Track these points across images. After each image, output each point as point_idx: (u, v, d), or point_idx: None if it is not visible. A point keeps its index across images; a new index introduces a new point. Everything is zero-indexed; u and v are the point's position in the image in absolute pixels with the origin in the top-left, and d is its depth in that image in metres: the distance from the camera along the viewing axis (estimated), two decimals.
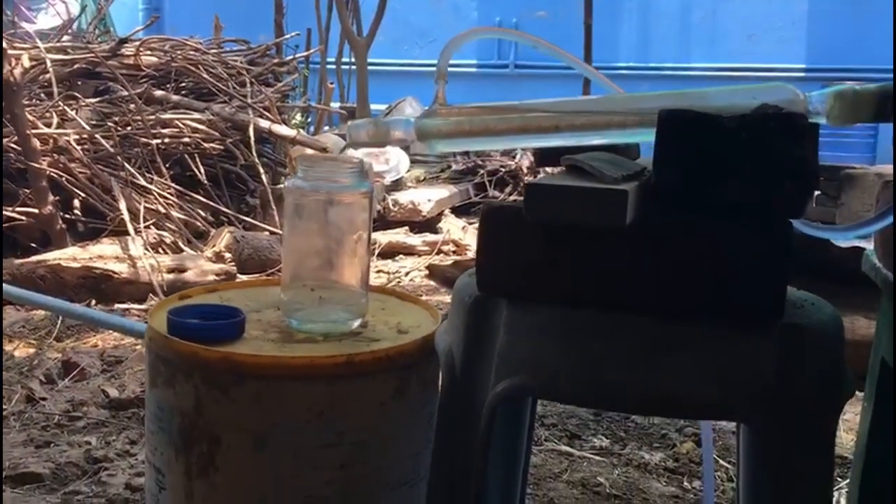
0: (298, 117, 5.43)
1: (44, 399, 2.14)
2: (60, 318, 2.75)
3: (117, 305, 3.05)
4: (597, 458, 1.88)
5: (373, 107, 6.27)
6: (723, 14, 7.89)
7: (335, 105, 6.24)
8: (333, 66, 6.69)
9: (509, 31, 1.11)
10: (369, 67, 6.28)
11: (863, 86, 0.87)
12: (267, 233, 3.76)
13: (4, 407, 2.06)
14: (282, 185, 4.09)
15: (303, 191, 0.99)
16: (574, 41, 6.78)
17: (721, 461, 1.87)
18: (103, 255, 3.19)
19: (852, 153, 6.97)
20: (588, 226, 0.72)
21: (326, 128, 6.15)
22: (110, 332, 2.66)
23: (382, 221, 4.22)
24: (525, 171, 5.14)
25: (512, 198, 4.97)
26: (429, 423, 0.98)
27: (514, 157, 5.45)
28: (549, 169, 0.96)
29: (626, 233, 0.76)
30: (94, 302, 3.06)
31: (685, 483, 1.79)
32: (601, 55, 6.83)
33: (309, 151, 4.02)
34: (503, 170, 5.16)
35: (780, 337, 0.79)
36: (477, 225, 3.54)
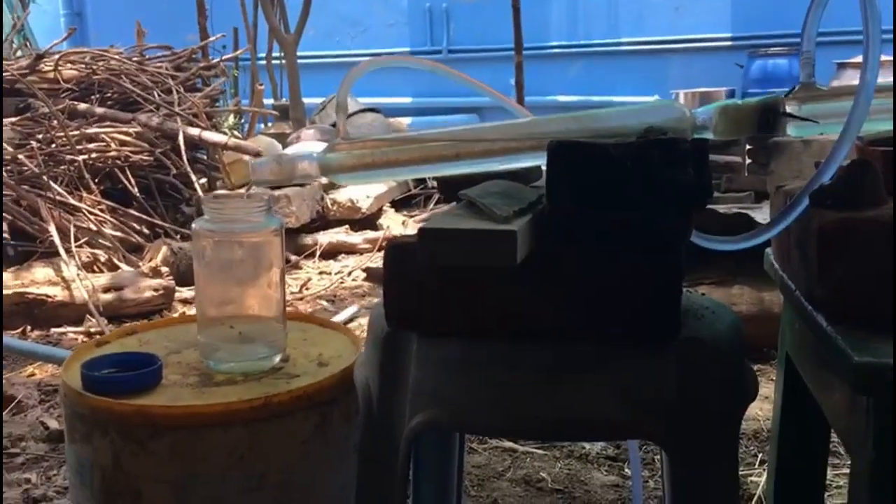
0: (231, 119, 5.36)
1: None
2: None
3: (53, 330, 3.00)
4: (539, 451, 1.92)
5: (307, 101, 6.21)
6: None
7: (268, 102, 6.17)
8: (264, 63, 6.60)
9: (408, 59, 1.11)
10: (301, 61, 6.21)
11: (745, 101, 0.90)
12: None
13: None
14: (218, 193, 4.04)
15: (212, 233, 0.99)
16: (504, 23, 6.80)
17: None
18: (35, 279, 3.13)
19: None
20: (480, 266, 0.73)
21: (261, 125, 6.08)
22: None
23: (322, 221, 4.20)
24: None
25: None
26: (354, 455, 0.99)
27: None
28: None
29: (522, 264, 0.78)
30: (29, 328, 3.01)
31: (626, 470, 1.83)
32: (531, 36, 6.86)
33: (245, 157, 3.98)
34: None
35: (679, 352, 0.82)
36: (415, 219, 3.54)
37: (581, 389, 0.81)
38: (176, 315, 3.18)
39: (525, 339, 0.81)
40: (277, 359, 1.04)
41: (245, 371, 1.01)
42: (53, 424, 2.20)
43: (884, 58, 6.47)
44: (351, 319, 2.94)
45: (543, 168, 0.97)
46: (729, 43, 7.66)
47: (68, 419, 0.95)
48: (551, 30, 8.14)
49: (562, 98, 7.97)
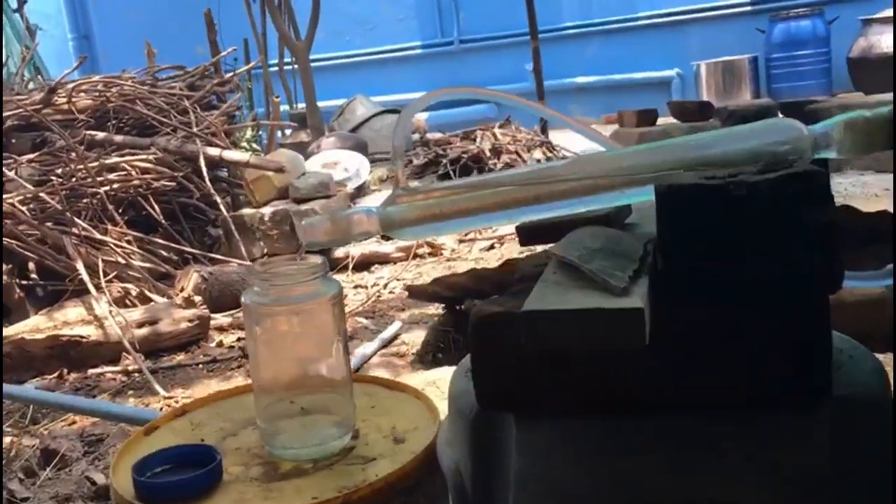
0: (249, 132, 5.26)
1: (25, 500, 2.02)
2: None
3: (91, 371, 2.92)
4: None
5: (321, 104, 6.11)
6: None
7: (283, 109, 6.06)
8: (276, 70, 6.50)
9: (466, 89, 0.98)
10: (312, 64, 6.10)
11: (873, 112, 0.77)
12: (235, 264, 3.62)
13: None
14: (243, 212, 3.95)
15: (264, 308, 0.88)
16: (515, 8, 6.65)
17: None
18: (68, 320, 3.05)
19: (807, 81, 6.92)
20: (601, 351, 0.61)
21: (278, 134, 5.98)
22: None
23: None
24: (488, 154, 5.03)
25: None
26: None
27: (474, 141, 5.33)
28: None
29: None
30: (66, 371, 2.93)
31: None
32: (544, 18, 6.70)
33: (268, 173, 3.88)
34: (465, 156, 5.04)
35: (832, 415, 0.69)
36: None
37: (721, 469, 0.68)
38: (213, 344, 3.09)
39: (648, 414, 0.69)
40: (348, 438, 0.92)
41: (313, 457, 0.90)
42: (99, 479, 2.11)
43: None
44: (395, 337, 2.83)
45: (634, 206, 0.85)
46: (748, 8, 7.46)
47: None
48: (563, 10, 7.97)
49: (581, 79, 7.80)
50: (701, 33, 7.62)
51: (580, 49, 7.89)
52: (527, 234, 0.82)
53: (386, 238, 4.01)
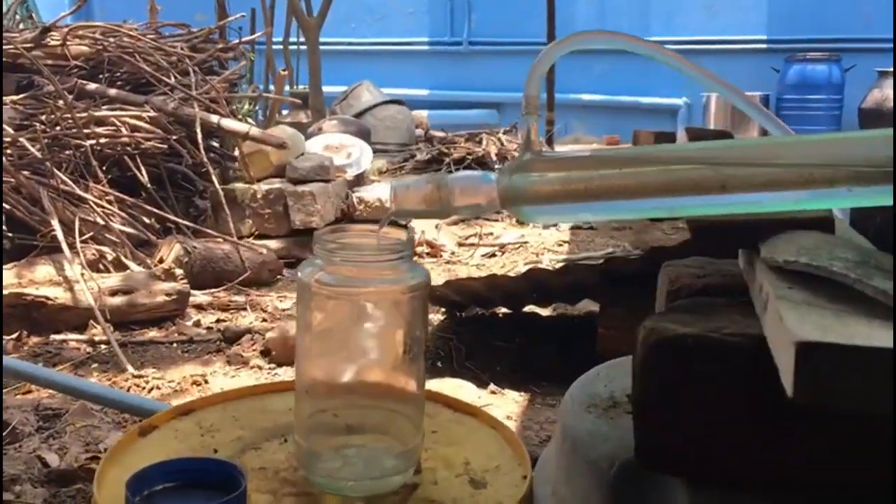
0: (246, 106, 5.01)
1: None
2: None
3: (53, 337, 2.66)
4: None
5: (325, 89, 5.88)
6: None
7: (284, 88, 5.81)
8: (280, 47, 6.25)
9: (619, 35, 0.76)
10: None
11: None
12: (221, 240, 3.37)
13: None
14: (235, 186, 3.71)
15: (323, 288, 0.65)
16: (527, 16, 6.47)
17: None
18: (35, 278, 2.79)
19: (817, 126, 6.84)
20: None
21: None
22: None
23: (348, 221, 3.87)
24: (494, 157, 4.82)
25: None
26: None
27: (480, 143, 5.13)
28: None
29: None
30: (26, 334, 2.66)
31: None
32: (558, 30, 6.54)
33: (266, 148, 3.64)
34: (470, 157, 4.83)
35: None
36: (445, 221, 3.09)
37: None
38: (190, 323, 2.84)
39: None
40: (411, 472, 0.70)
41: (367, 493, 0.68)
42: (53, 460, 1.85)
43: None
44: None
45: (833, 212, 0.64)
46: (764, 46, 7.38)
47: None
48: (577, 25, 7.81)
49: (586, 97, 7.66)
50: (714, 65, 7.45)
51: (589, 66, 7.75)
52: (708, 235, 0.61)
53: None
